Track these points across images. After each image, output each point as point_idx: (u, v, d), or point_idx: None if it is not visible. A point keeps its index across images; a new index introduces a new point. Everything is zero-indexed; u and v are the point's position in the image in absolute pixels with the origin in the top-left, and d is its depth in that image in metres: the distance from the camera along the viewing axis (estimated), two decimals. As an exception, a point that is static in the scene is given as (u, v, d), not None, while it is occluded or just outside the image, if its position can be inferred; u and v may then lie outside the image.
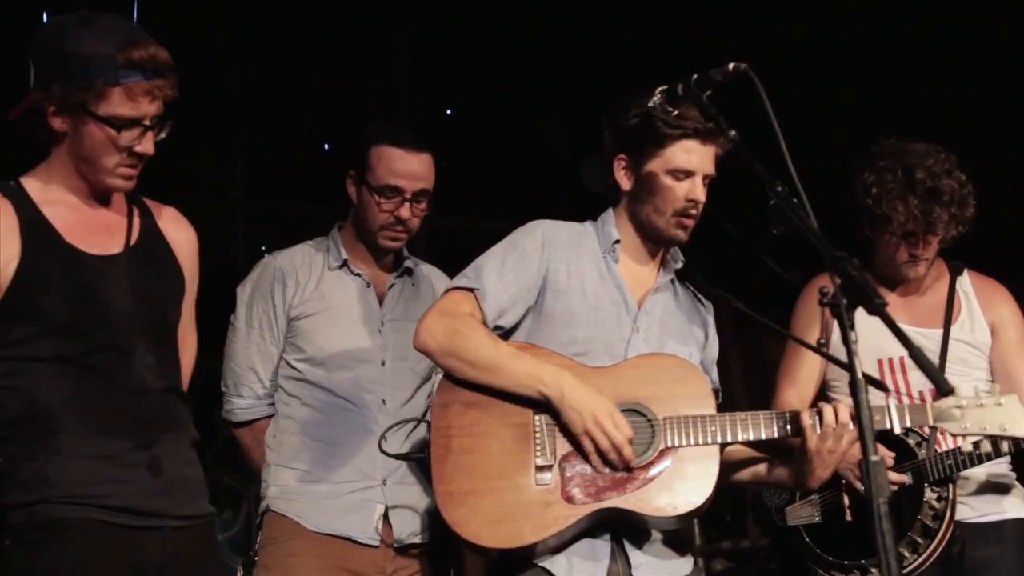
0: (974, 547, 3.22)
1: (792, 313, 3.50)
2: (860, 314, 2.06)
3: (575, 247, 2.92)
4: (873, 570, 3.18)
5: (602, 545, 2.73)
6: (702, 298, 3.05)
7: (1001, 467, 3.31)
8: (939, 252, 3.35)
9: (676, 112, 2.72)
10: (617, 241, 2.93)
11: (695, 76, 2.42)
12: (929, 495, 3.20)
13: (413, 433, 3.26)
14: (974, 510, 3.26)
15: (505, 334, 2.88)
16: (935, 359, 3.27)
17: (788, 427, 2.73)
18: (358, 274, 3.37)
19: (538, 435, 2.72)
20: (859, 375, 2.05)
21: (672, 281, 2.99)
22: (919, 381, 3.28)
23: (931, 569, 3.17)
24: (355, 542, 3.16)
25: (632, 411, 2.72)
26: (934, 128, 3.49)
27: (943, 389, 2.06)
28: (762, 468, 2.88)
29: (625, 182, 2.91)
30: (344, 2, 6.30)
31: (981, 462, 3.16)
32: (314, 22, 6.25)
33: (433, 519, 3.22)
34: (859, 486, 3.19)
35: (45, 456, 2.42)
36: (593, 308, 2.86)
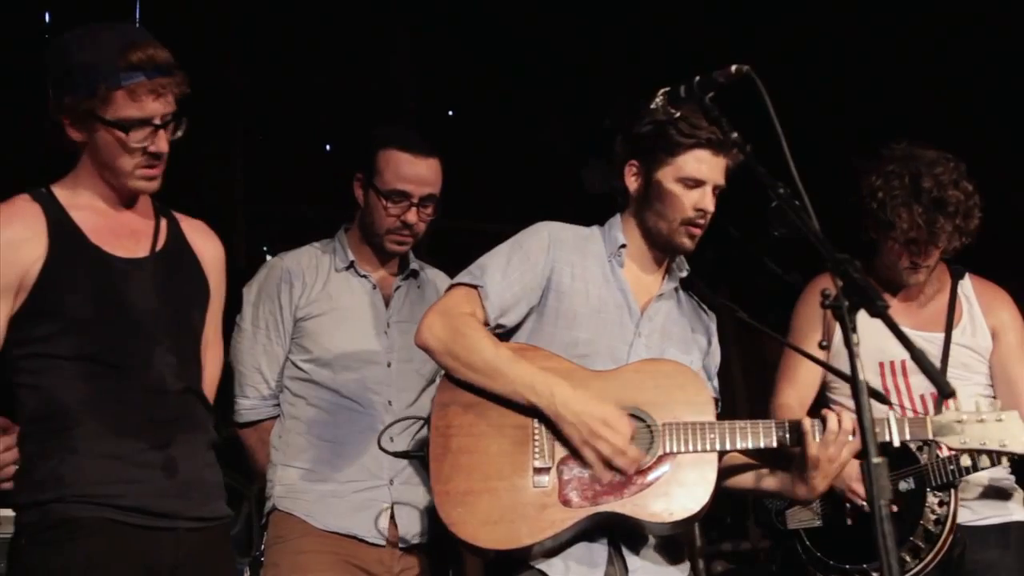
0: (974, 550, 3.22)
1: (793, 314, 3.50)
2: (862, 316, 2.05)
3: (580, 249, 2.92)
4: (874, 574, 3.17)
5: (599, 549, 2.73)
6: (705, 308, 3.05)
7: (1001, 471, 3.31)
8: (941, 257, 3.35)
9: (688, 121, 2.73)
10: (623, 246, 2.93)
11: (697, 78, 2.42)
12: (931, 500, 3.20)
13: (417, 432, 3.26)
14: (974, 513, 3.26)
15: (508, 333, 2.88)
16: (937, 363, 3.27)
17: (788, 435, 2.72)
18: (364, 276, 3.38)
19: (537, 437, 2.71)
20: (861, 377, 2.05)
21: (676, 289, 2.99)
22: (921, 384, 3.28)
23: (932, 573, 3.17)
24: (361, 541, 3.16)
25: (632, 416, 2.71)
26: (934, 128, 3.50)
27: (945, 392, 2.05)
28: (760, 477, 2.88)
29: (635, 188, 2.91)
30: (345, 2, 6.30)
31: (984, 467, 3.15)
32: (315, 22, 6.24)
33: (438, 519, 3.22)
34: (859, 501, 3.19)
35: (61, 455, 2.45)
36: (596, 311, 2.86)
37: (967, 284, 3.44)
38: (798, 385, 3.41)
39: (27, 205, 2.54)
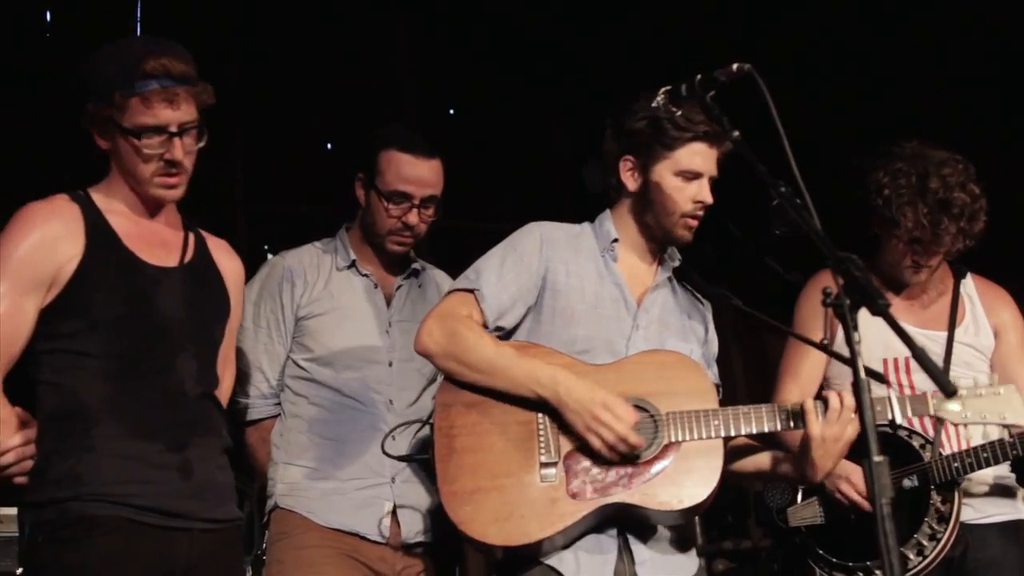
0: (976, 548, 3.22)
1: (794, 311, 3.50)
2: (866, 313, 2.06)
3: (573, 247, 2.94)
4: (877, 572, 3.17)
5: (608, 542, 2.74)
6: (700, 297, 3.07)
7: (1003, 469, 3.32)
8: (944, 258, 3.35)
9: (683, 114, 2.75)
10: (616, 240, 2.95)
11: (699, 76, 2.42)
12: (935, 498, 3.20)
13: (418, 433, 3.26)
14: (977, 511, 3.26)
15: (506, 335, 2.89)
16: (939, 362, 3.27)
17: (791, 419, 2.75)
18: (366, 275, 3.38)
19: (541, 433, 2.73)
20: (862, 376, 2.05)
21: (670, 279, 3.01)
22: (923, 383, 3.28)
23: (935, 571, 3.17)
24: (364, 538, 3.16)
25: (636, 407, 2.73)
26: (934, 128, 3.49)
27: (947, 390, 2.06)
28: (766, 461, 2.90)
29: (631, 183, 2.93)
30: (345, 2, 6.30)
31: (988, 465, 3.16)
32: (315, 21, 6.24)
33: (440, 518, 3.22)
34: (857, 499, 3.19)
35: (79, 454, 2.49)
36: (593, 306, 2.88)
37: (969, 283, 3.45)
38: (800, 380, 3.41)
39: (66, 204, 2.61)
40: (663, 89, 2.55)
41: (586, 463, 2.71)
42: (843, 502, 3.22)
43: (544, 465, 2.70)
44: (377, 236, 3.35)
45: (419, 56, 6.72)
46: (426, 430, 3.26)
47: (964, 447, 3.22)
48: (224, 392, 2.83)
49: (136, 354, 2.56)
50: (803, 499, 3.38)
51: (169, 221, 2.74)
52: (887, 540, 1.95)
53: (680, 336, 2.94)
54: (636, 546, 2.76)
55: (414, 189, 3.29)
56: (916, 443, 3.25)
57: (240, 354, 3.35)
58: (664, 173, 2.87)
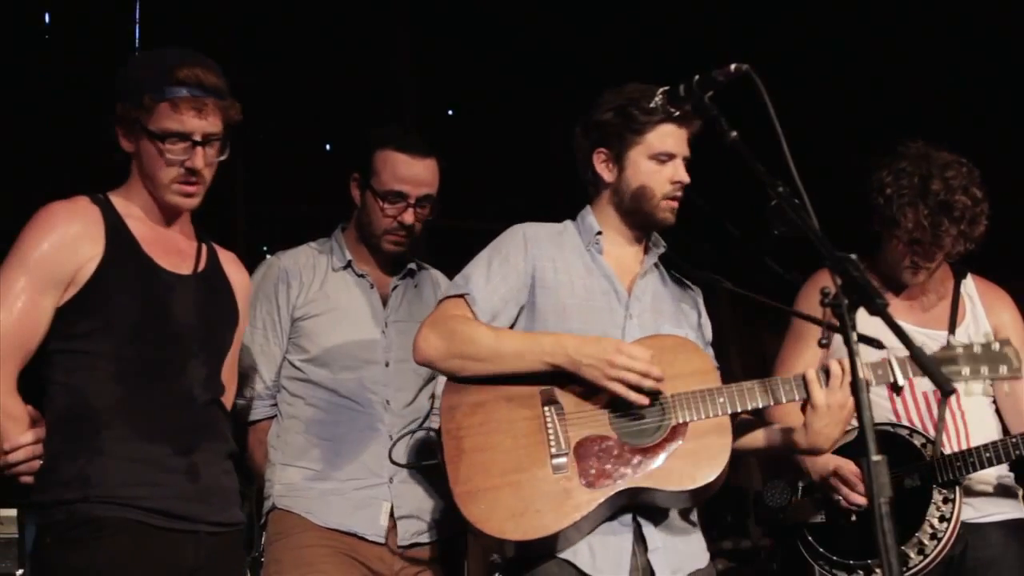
0: (976, 547, 3.22)
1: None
2: (864, 313, 2.06)
3: (557, 244, 2.97)
4: (877, 570, 3.17)
5: (623, 531, 2.75)
6: (689, 283, 3.10)
7: (1004, 468, 3.32)
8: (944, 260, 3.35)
9: (649, 99, 2.80)
10: (599, 233, 2.98)
11: (697, 77, 2.43)
12: (936, 497, 3.20)
13: (415, 434, 3.26)
14: (976, 510, 3.26)
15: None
16: (940, 361, 3.27)
17: (795, 388, 2.78)
18: (362, 275, 3.38)
19: (550, 426, 2.74)
20: (861, 376, 2.06)
21: (657, 265, 3.03)
22: (923, 382, 3.28)
23: (935, 570, 3.17)
24: (362, 538, 3.15)
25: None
26: (934, 127, 3.49)
27: (945, 389, 2.06)
28: (775, 435, 2.92)
29: (608, 175, 2.97)
30: (345, 2, 6.30)
31: (990, 465, 3.17)
32: (315, 22, 6.25)
33: (438, 518, 3.22)
34: (856, 498, 3.19)
35: (87, 456, 2.51)
36: (584, 300, 2.90)
37: (970, 283, 3.45)
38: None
39: (87, 206, 2.64)
40: (661, 90, 2.57)
41: (597, 451, 2.72)
42: (841, 497, 3.22)
43: (555, 457, 2.72)
44: (373, 236, 3.34)
45: (419, 56, 6.72)
46: (423, 432, 3.27)
47: (965, 447, 3.22)
48: (229, 400, 2.87)
49: (148, 358, 2.59)
50: (803, 498, 3.38)
51: (184, 230, 2.78)
52: (886, 539, 1.96)
53: (674, 322, 2.97)
54: (649, 531, 2.76)
55: (410, 189, 3.29)
56: (917, 442, 3.25)
57: (236, 355, 3.36)
58: (638, 159, 2.91)
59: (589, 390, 2.77)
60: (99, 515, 2.48)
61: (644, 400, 2.70)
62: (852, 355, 2.07)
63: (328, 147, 6.64)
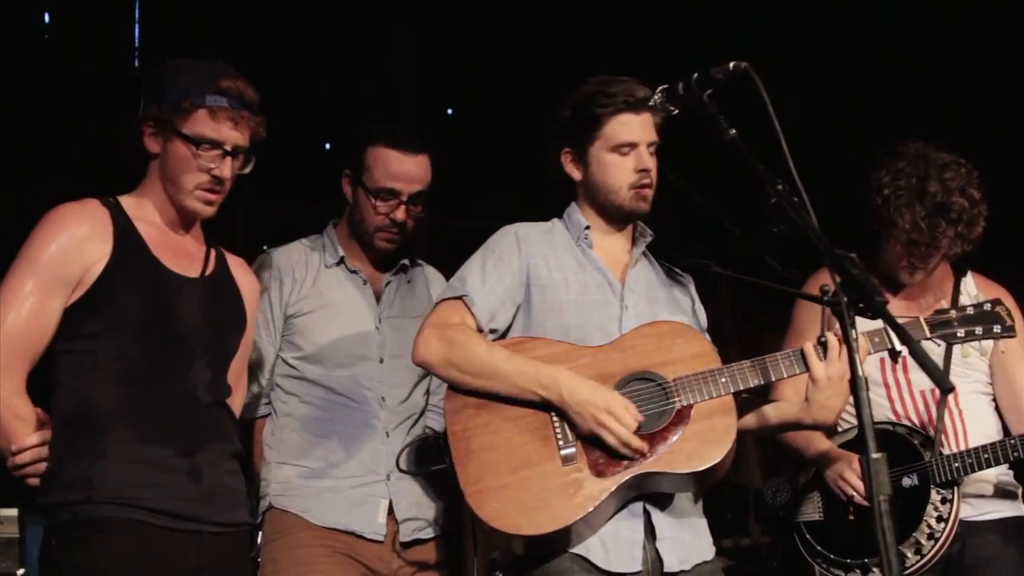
0: (974, 545, 3.22)
1: (792, 309, 3.51)
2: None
3: (548, 242, 2.99)
4: (875, 569, 3.18)
5: (634, 522, 2.76)
6: (679, 271, 3.11)
7: (1002, 468, 3.31)
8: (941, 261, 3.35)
9: (604, 91, 2.86)
10: (587, 227, 3.00)
11: (695, 75, 2.43)
12: (934, 496, 3.20)
13: (414, 431, 3.27)
14: (975, 509, 3.26)
15: (500, 335, 2.92)
16: (939, 360, 3.27)
17: (795, 364, 2.81)
18: (355, 271, 3.37)
19: (556, 420, 2.76)
20: (860, 375, 2.06)
21: (645, 254, 3.05)
22: (921, 380, 3.29)
23: (933, 569, 3.18)
24: (360, 537, 3.16)
25: (642, 379, 2.77)
26: (933, 127, 3.49)
27: (944, 387, 2.06)
28: (781, 411, 2.94)
29: (576, 173, 3.01)
30: (345, 2, 6.30)
31: (989, 466, 3.17)
32: (314, 21, 6.24)
33: (438, 515, 3.22)
34: (850, 493, 3.20)
35: (91, 458, 2.53)
36: (580, 295, 2.91)
37: (970, 282, 3.45)
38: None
39: (96, 208, 2.67)
40: (660, 88, 2.57)
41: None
42: (845, 494, 3.22)
43: (563, 449, 2.73)
44: (365, 233, 3.34)
45: (419, 56, 6.72)
46: (419, 430, 3.27)
47: (964, 447, 3.23)
48: (237, 403, 2.88)
49: (153, 358, 2.61)
50: (802, 496, 3.38)
51: (193, 235, 2.81)
52: (885, 537, 1.96)
53: (669, 309, 2.98)
54: (658, 520, 2.77)
55: (402, 185, 3.29)
56: (916, 441, 3.25)
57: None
58: (599, 153, 2.94)
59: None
60: (102, 515, 2.50)
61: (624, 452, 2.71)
62: (851, 353, 2.08)
63: (328, 147, 6.63)
